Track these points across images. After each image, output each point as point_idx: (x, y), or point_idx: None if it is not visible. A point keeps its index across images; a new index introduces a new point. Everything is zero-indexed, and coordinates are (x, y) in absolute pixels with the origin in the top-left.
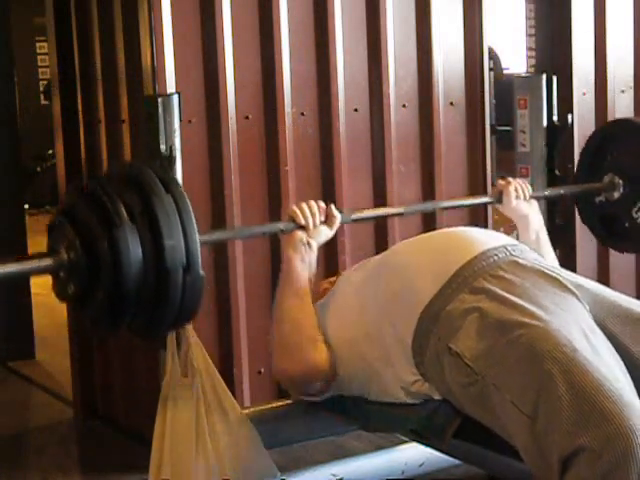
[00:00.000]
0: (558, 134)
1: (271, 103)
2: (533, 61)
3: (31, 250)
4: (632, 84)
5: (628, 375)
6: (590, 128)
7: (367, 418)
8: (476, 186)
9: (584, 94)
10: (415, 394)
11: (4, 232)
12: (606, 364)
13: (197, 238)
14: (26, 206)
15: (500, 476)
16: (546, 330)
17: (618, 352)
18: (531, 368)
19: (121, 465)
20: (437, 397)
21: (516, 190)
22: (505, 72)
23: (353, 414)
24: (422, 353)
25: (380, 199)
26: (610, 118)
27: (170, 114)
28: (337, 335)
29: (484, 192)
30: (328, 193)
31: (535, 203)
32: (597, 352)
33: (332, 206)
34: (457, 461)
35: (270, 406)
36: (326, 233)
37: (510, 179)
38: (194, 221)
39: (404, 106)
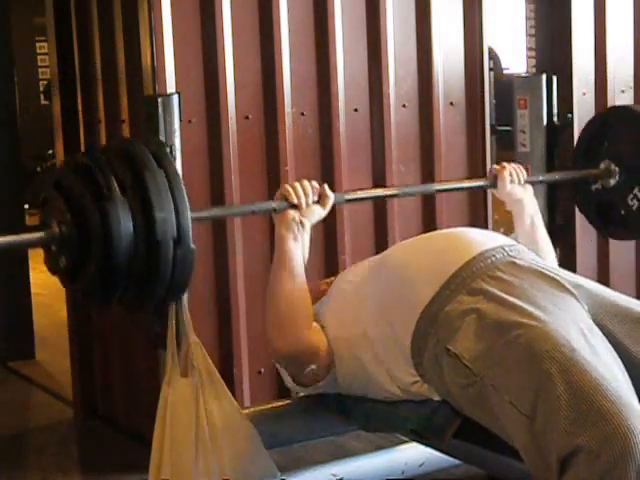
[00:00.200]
0: (558, 134)
1: (271, 103)
2: (533, 61)
3: (32, 251)
4: (632, 84)
5: (627, 374)
6: None
7: (367, 418)
8: None
9: (584, 94)
10: (414, 394)
11: (4, 232)
12: (605, 364)
13: (188, 211)
14: (26, 206)
15: (500, 476)
16: (544, 330)
17: (617, 351)
18: (529, 368)
19: (121, 465)
20: (436, 398)
21: (511, 174)
22: (505, 72)
23: (353, 414)
24: (421, 354)
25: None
26: None
27: (170, 114)
28: (336, 334)
29: (484, 191)
30: None
31: (530, 188)
32: (595, 352)
33: (325, 186)
34: (457, 461)
35: (270, 406)
36: (319, 213)
37: (505, 164)
38: (185, 195)
39: (404, 106)
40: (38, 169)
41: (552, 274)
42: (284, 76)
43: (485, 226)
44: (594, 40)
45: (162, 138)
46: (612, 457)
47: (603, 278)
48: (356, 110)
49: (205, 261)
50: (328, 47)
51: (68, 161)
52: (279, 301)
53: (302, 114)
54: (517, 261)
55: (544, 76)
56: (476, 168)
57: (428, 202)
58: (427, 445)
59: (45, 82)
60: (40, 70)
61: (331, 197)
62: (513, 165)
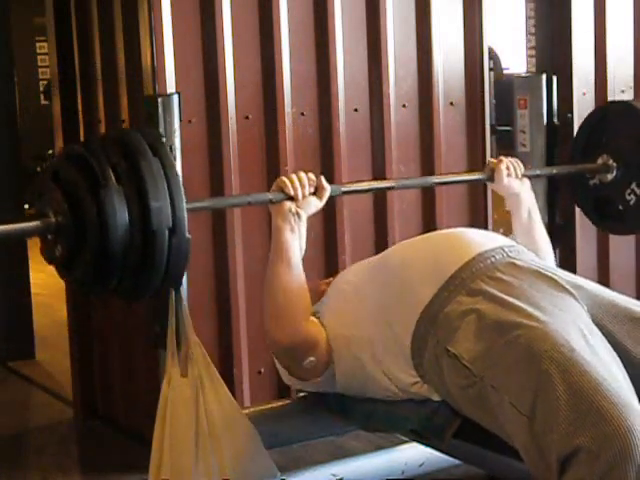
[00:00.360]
0: (558, 134)
1: (271, 103)
2: (533, 61)
3: (31, 251)
4: (632, 84)
5: (626, 375)
6: None
7: (367, 418)
8: (476, 186)
9: (584, 94)
10: (413, 394)
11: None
12: (604, 364)
13: (183, 201)
14: (26, 206)
15: (500, 476)
16: (544, 331)
17: (616, 352)
18: (529, 368)
19: (121, 465)
20: (436, 398)
21: (508, 168)
22: (505, 72)
23: (353, 414)
24: (421, 355)
25: (380, 199)
26: None
27: (170, 114)
28: (335, 333)
29: (484, 191)
30: None
31: (527, 181)
32: (595, 352)
33: (322, 177)
34: (457, 461)
35: (270, 406)
36: (315, 204)
37: (502, 157)
38: (181, 184)
39: (404, 106)
40: (38, 169)
41: (551, 274)
42: (284, 76)
43: (485, 226)
44: (594, 40)
45: None
46: (612, 457)
47: (603, 278)
48: (356, 110)
49: (205, 261)
50: (328, 47)
51: (65, 151)
52: (276, 292)
53: (302, 114)
54: (516, 262)
55: (544, 76)
56: (476, 168)
57: (428, 202)
58: (427, 445)
59: (45, 82)
60: (40, 70)
61: (327, 189)
62: (510, 159)
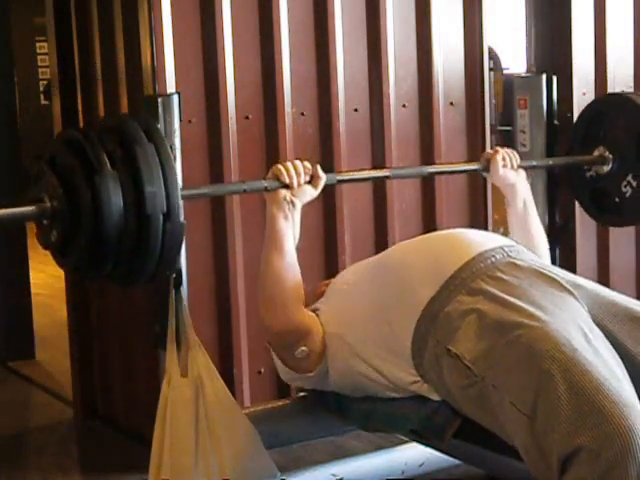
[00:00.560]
0: (558, 134)
1: (271, 103)
2: (533, 61)
3: (32, 251)
4: (632, 84)
5: (627, 375)
6: None
7: (367, 418)
8: (476, 185)
9: (584, 94)
10: (412, 393)
11: (4, 232)
12: (605, 363)
13: (178, 186)
14: None
15: (500, 476)
16: (545, 330)
17: (617, 351)
18: (530, 368)
19: (121, 465)
20: (435, 397)
21: (504, 159)
22: (505, 72)
23: (353, 414)
24: (421, 355)
25: (380, 199)
26: None
27: (170, 114)
28: (332, 331)
29: (484, 191)
30: (328, 192)
31: (523, 172)
32: (596, 351)
33: (317, 166)
34: (457, 461)
35: (270, 406)
36: (311, 193)
37: (498, 148)
38: (175, 169)
39: (404, 106)
40: None
41: (552, 274)
42: (284, 76)
43: (485, 227)
44: (594, 40)
45: None
46: (613, 456)
47: (603, 278)
48: (356, 110)
49: (205, 261)
50: (328, 47)
51: (62, 136)
52: (269, 279)
53: (302, 114)
54: (516, 261)
55: (544, 76)
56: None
57: (428, 202)
58: (427, 445)
59: (45, 82)
60: (40, 70)
61: (323, 177)
62: (506, 150)
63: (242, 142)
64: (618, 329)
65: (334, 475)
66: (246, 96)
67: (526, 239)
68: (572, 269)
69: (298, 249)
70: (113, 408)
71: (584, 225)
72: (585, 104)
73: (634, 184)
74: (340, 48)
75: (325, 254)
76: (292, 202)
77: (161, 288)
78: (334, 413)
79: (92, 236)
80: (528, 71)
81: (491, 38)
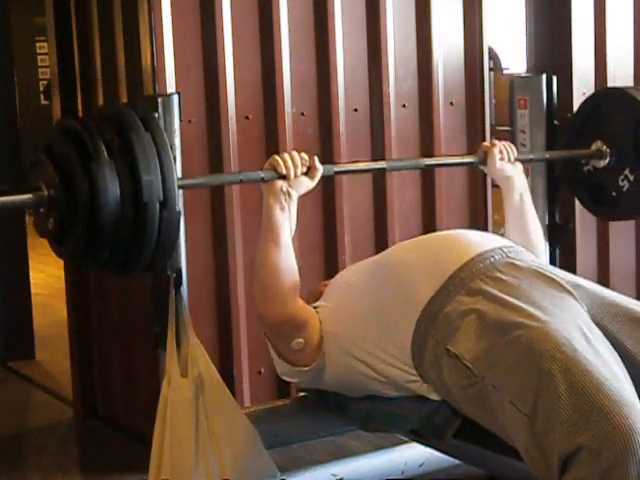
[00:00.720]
0: (558, 134)
1: (271, 103)
2: (533, 61)
3: (32, 251)
4: (632, 84)
5: (627, 374)
6: None
7: (367, 418)
8: (476, 185)
9: (584, 94)
10: (411, 392)
11: (4, 232)
12: (606, 363)
13: (175, 174)
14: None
15: (500, 476)
16: (545, 330)
17: (617, 351)
18: (530, 368)
19: (121, 465)
20: (435, 397)
21: (501, 152)
22: (505, 72)
23: (353, 414)
24: (421, 355)
25: (380, 199)
26: None
27: (170, 114)
28: (331, 330)
29: (484, 191)
30: (328, 192)
31: (520, 166)
32: (596, 351)
33: (315, 157)
34: (457, 461)
35: (270, 406)
36: (307, 184)
37: (495, 141)
38: (172, 158)
39: (404, 106)
40: None
41: (551, 274)
42: (284, 76)
43: (485, 227)
44: (594, 40)
45: None
46: (613, 455)
47: (603, 279)
48: (356, 110)
49: (205, 261)
50: (328, 47)
51: (60, 125)
52: (265, 271)
53: (302, 114)
54: (516, 262)
55: (544, 76)
56: (476, 168)
57: (428, 203)
58: (427, 445)
59: (45, 82)
60: (40, 70)
61: (320, 169)
62: (503, 142)
63: (242, 142)
64: (618, 329)
65: (334, 475)
66: (246, 96)
67: (522, 233)
68: (572, 269)
69: (294, 241)
70: (113, 408)
71: (584, 225)
72: None
73: (631, 178)
74: (340, 48)
75: (325, 254)
76: (288, 193)
77: (161, 288)
78: (334, 413)
79: (89, 224)
80: (528, 71)
81: (491, 38)
